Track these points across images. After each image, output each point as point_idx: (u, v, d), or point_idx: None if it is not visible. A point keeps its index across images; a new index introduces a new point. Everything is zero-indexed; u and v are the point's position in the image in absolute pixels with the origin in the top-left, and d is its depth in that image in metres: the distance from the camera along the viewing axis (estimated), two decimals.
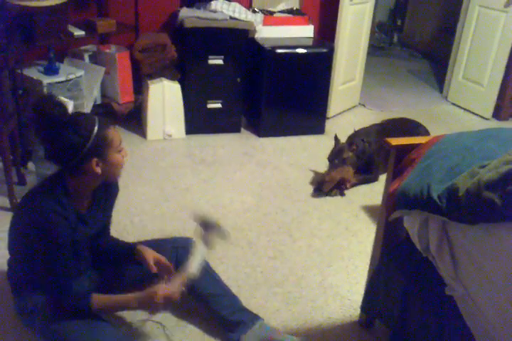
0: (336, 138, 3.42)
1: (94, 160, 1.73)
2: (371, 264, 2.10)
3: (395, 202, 1.70)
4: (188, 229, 2.80)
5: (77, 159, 1.71)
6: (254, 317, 2.09)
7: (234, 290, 2.35)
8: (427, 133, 3.66)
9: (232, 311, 2.08)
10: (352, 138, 3.47)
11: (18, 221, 1.88)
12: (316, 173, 3.47)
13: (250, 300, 2.31)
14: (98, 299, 1.82)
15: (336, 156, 3.29)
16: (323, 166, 3.44)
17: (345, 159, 3.27)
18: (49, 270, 1.78)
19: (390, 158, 1.89)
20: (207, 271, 2.12)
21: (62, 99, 3.36)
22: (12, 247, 1.95)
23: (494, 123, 4.55)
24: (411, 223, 1.73)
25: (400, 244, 1.92)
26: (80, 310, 1.81)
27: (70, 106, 3.25)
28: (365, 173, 3.44)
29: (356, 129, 3.59)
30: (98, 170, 1.75)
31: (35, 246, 1.77)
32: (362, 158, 3.38)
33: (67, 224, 1.76)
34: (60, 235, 1.73)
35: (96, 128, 1.71)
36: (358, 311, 2.21)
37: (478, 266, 1.45)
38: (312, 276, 2.51)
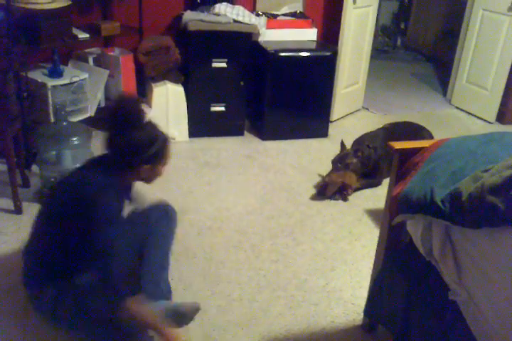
0: (342, 144, 3.40)
1: (147, 165, 1.89)
2: (374, 268, 2.10)
3: (398, 206, 1.70)
4: (191, 232, 2.80)
5: (136, 159, 1.86)
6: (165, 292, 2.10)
7: (236, 293, 2.36)
8: (430, 136, 3.65)
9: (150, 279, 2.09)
10: (358, 143, 3.46)
11: (58, 197, 1.90)
12: (320, 177, 3.47)
13: (253, 303, 2.31)
14: (134, 301, 1.83)
15: (339, 161, 3.28)
16: (326, 169, 3.43)
17: (348, 164, 3.25)
18: (94, 245, 1.79)
19: (394, 162, 1.89)
20: (164, 244, 2.18)
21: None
22: (40, 230, 1.92)
23: (498, 127, 4.54)
24: (414, 227, 1.72)
25: (403, 248, 1.91)
26: (112, 301, 1.82)
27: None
28: (369, 178, 3.43)
29: (362, 134, 3.57)
30: (144, 174, 1.92)
31: (82, 217, 1.77)
32: (367, 164, 3.36)
33: (116, 204, 1.87)
34: (111, 210, 1.82)
35: (164, 139, 1.93)
36: (361, 315, 2.21)
37: (481, 271, 1.45)
38: (315, 280, 2.51)
